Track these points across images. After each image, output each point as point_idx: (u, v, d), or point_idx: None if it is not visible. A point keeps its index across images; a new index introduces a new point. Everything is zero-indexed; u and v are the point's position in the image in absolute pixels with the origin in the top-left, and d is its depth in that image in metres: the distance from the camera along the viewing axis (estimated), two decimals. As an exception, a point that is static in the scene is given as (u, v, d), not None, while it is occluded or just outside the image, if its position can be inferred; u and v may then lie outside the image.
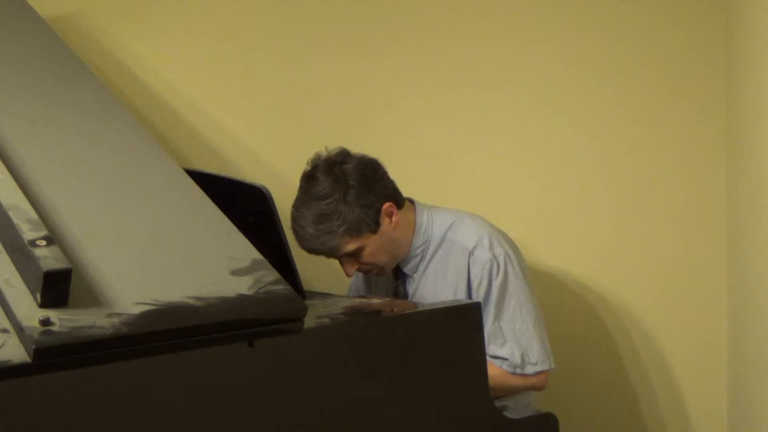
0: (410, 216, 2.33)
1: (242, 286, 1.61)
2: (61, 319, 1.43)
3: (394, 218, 2.27)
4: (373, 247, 2.25)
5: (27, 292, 1.49)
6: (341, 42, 2.83)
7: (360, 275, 2.47)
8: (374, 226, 2.24)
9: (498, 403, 2.04)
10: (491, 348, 2.20)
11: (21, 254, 1.53)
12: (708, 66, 2.72)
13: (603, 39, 2.76)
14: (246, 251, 1.71)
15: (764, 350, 2.24)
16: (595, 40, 2.77)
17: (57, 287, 1.45)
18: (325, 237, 2.21)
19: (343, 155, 2.26)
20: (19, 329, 1.43)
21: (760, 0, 2.25)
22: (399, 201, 2.31)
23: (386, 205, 2.26)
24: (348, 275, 2.32)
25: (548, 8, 2.78)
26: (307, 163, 2.27)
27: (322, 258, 2.30)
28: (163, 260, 1.66)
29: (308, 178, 2.25)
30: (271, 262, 1.70)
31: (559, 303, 2.78)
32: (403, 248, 2.32)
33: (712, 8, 2.71)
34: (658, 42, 2.75)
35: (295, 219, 2.24)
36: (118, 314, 1.48)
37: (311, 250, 2.25)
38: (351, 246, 2.23)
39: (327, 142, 2.29)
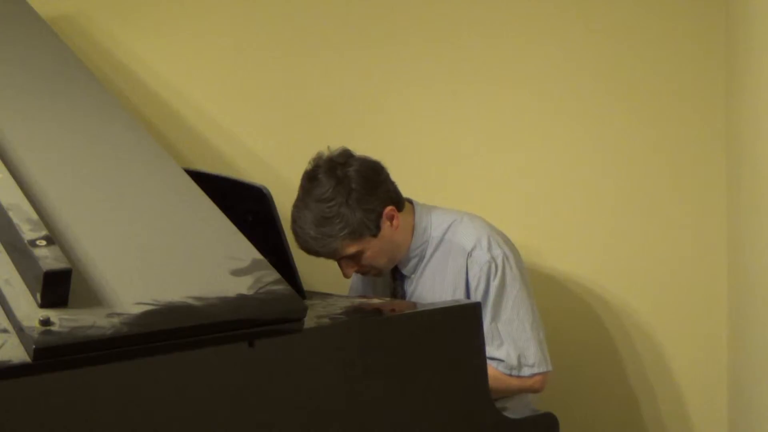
0: (410, 218, 2.32)
1: (242, 286, 1.61)
2: (61, 319, 1.44)
3: (395, 222, 2.26)
4: (373, 250, 2.25)
5: (27, 292, 1.49)
6: (341, 42, 2.83)
7: (359, 276, 2.46)
8: (375, 231, 2.23)
9: (496, 404, 2.03)
10: (488, 349, 2.18)
11: (21, 254, 1.53)
12: (708, 66, 2.72)
13: (603, 39, 2.76)
14: (246, 251, 1.71)
15: (764, 350, 2.24)
16: (594, 40, 2.76)
17: (57, 287, 1.45)
18: (326, 240, 2.20)
19: (346, 156, 2.24)
20: (19, 329, 1.43)
21: (760, 0, 2.25)
22: (400, 204, 2.30)
23: (388, 209, 2.25)
24: (346, 276, 2.31)
25: (548, 9, 2.78)
26: (309, 162, 2.26)
27: (322, 258, 2.30)
28: (163, 260, 1.66)
29: (310, 179, 2.23)
30: (271, 262, 1.70)
31: (559, 303, 2.78)
32: (402, 250, 2.31)
33: (712, 8, 2.71)
34: (658, 42, 2.74)
35: (295, 220, 2.23)
36: (118, 314, 1.48)
37: (311, 252, 2.25)
38: (351, 249, 2.23)
39: (327, 142, 2.29)
